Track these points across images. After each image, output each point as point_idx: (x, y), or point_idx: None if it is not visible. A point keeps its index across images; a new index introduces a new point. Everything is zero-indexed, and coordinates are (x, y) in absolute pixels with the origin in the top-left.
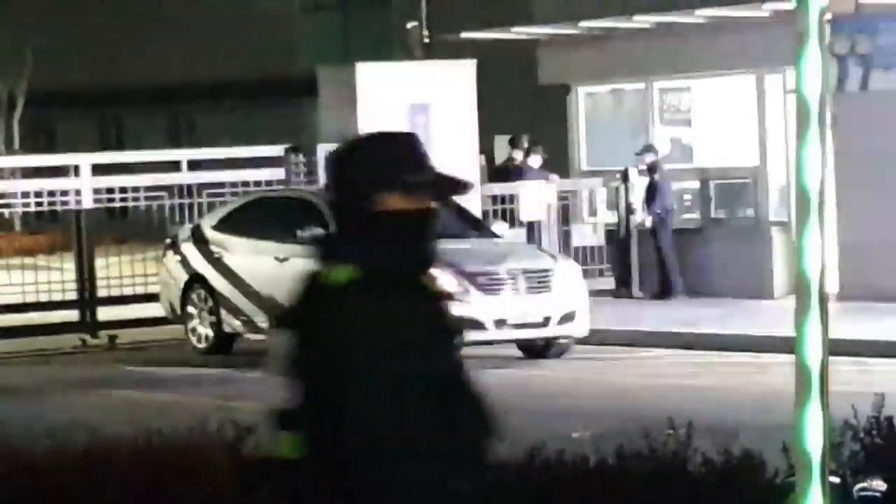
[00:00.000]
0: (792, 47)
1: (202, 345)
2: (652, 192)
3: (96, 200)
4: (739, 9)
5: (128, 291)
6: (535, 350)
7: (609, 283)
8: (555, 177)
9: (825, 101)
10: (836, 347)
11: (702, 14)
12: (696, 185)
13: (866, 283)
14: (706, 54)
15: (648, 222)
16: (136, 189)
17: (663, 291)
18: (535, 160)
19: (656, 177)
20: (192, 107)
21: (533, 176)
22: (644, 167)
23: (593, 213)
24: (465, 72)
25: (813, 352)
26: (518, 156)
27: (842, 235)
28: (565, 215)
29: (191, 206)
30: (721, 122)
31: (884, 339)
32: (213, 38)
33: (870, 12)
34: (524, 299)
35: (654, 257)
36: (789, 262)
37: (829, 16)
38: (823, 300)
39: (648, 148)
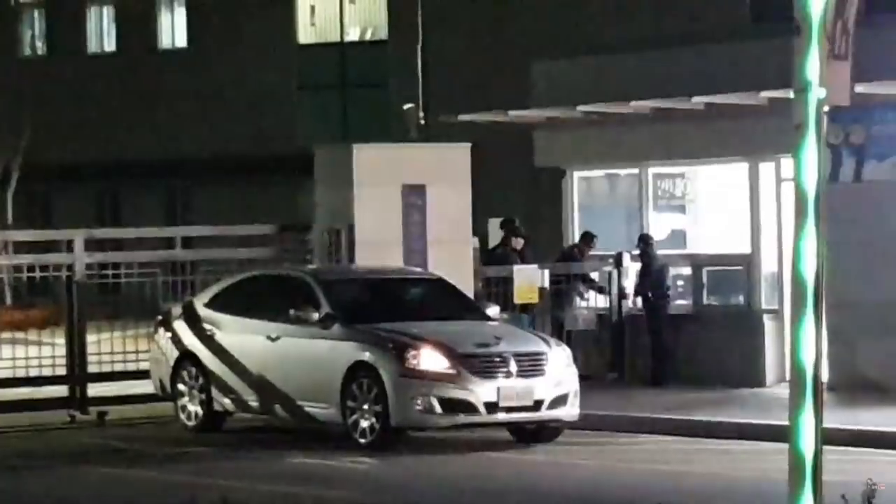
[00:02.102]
0: (786, 136)
1: (192, 422)
2: (644, 277)
3: (89, 276)
4: (735, 96)
5: (118, 368)
6: (526, 434)
7: (601, 367)
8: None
9: (823, 192)
10: (826, 437)
11: (698, 101)
12: (688, 271)
13: (856, 373)
14: (701, 141)
15: (637, 303)
16: (128, 265)
17: (656, 377)
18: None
19: (646, 260)
20: (188, 183)
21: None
22: (637, 252)
23: (586, 297)
24: (460, 154)
25: (807, 441)
26: (516, 243)
27: (833, 325)
28: (558, 299)
29: (184, 283)
30: (714, 208)
31: (874, 429)
32: (210, 115)
33: (864, 102)
34: (516, 382)
35: (648, 343)
36: (781, 351)
37: (826, 108)
38: (818, 390)
39: (643, 238)
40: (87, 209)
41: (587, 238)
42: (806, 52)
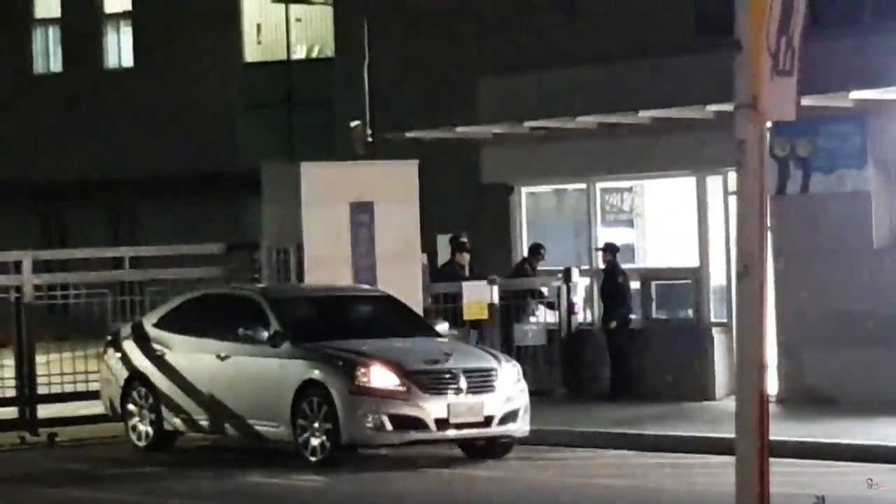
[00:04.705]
0: (733, 149)
1: (142, 443)
2: (617, 293)
3: (37, 297)
4: (682, 110)
5: (68, 389)
6: (477, 450)
7: (551, 382)
8: (494, 277)
9: (766, 207)
10: (774, 449)
11: (644, 115)
12: (636, 285)
13: (804, 385)
14: (648, 155)
15: (613, 325)
16: (77, 286)
17: (616, 392)
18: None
19: (620, 278)
20: (135, 202)
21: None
22: (605, 263)
23: (535, 313)
24: (408, 171)
25: (753, 453)
26: (463, 259)
27: (781, 337)
28: (507, 315)
29: (132, 303)
30: (662, 222)
31: (823, 440)
32: (157, 134)
33: (810, 115)
34: (466, 399)
35: (607, 357)
36: (730, 364)
37: (769, 123)
38: (764, 403)
39: (611, 248)
40: (32, 230)
41: (535, 250)
42: (747, 67)
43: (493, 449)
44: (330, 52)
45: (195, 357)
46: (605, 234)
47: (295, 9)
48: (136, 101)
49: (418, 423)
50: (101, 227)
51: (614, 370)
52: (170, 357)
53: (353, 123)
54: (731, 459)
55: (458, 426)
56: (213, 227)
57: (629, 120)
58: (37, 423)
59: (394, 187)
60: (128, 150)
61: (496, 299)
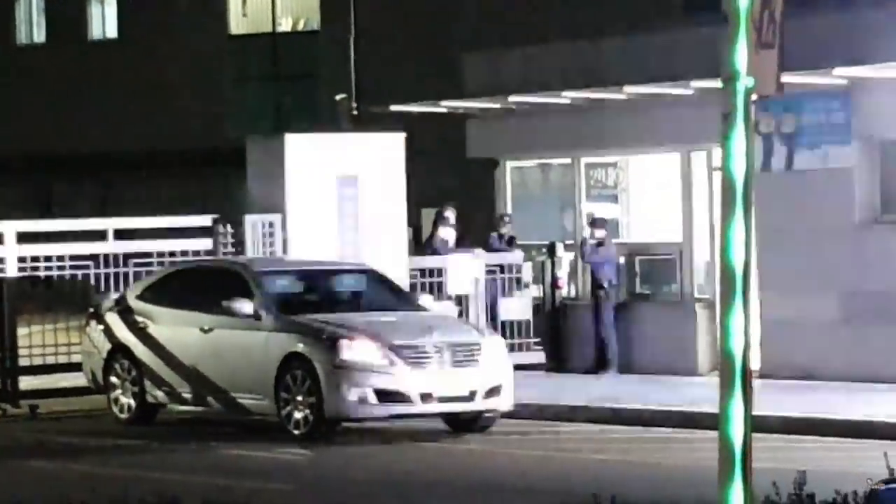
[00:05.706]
0: (717, 125)
1: (125, 415)
2: (604, 265)
3: (21, 269)
4: (666, 86)
5: (50, 361)
6: (461, 424)
7: (536, 357)
8: (480, 251)
9: (751, 181)
10: (757, 424)
11: (629, 91)
12: (621, 260)
13: (788, 360)
14: (633, 131)
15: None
16: (61, 258)
17: (601, 365)
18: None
19: (606, 251)
20: (120, 176)
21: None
22: (594, 241)
23: (519, 286)
24: (394, 144)
25: (737, 429)
26: (444, 233)
27: (764, 312)
28: (492, 289)
29: (116, 275)
30: (647, 198)
31: (805, 416)
32: (142, 107)
33: (794, 91)
34: (450, 373)
35: (593, 331)
36: (713, 339)
37: (754, 97)
38: (747, 379)
39: (601, 223)
40: (18, 204)
41: (499, 219)
42: (734, 40)
43: (477, 423)
44: (316, 24)
45: (179, 329)
46: (589, 209)
47: None
48: (120, 73)
49: (402, 397)
50: (87, 202)
51: (598, 344)
52: (153, 329)
53: (339, 97)
54: (713, 434)
55: (442, 400)
56: (199, 200)
57: (614, 95)
58: (18, 395)
59: (379, 161)
60: (112, 122)
61: (482, 274)
